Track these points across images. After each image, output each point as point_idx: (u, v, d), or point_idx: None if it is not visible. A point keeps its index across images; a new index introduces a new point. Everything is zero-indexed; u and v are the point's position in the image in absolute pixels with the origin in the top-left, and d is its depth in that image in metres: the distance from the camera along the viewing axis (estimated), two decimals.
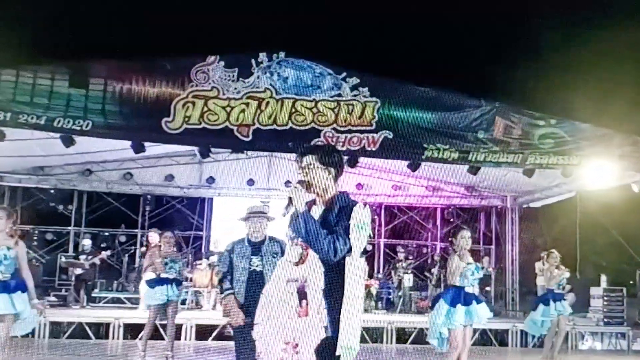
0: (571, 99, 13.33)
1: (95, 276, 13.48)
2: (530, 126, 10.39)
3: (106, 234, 15.70)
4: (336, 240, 2.95)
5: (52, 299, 12.97)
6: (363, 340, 3.07)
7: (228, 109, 9.65)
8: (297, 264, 3.08)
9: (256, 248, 5.02)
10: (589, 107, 12.25)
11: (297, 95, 9.87)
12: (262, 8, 18.42)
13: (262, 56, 9.87)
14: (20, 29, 13.10)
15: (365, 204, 3.11)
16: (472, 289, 6.09)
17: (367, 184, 15.37)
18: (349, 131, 9.97)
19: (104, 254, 13.31)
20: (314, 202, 3.17)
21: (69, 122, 9.10)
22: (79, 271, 12.88)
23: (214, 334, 10.50)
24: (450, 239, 6.27)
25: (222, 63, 9.73)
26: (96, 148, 12.05)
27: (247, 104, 9.69)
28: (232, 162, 14.47)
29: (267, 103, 9.75)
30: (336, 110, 9.94)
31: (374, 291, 13.86)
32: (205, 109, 9.57)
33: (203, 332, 10.53)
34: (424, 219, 17.16)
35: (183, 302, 10.36)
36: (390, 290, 14.56)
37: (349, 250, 2.98)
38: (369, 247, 15.16)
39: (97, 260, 12.98)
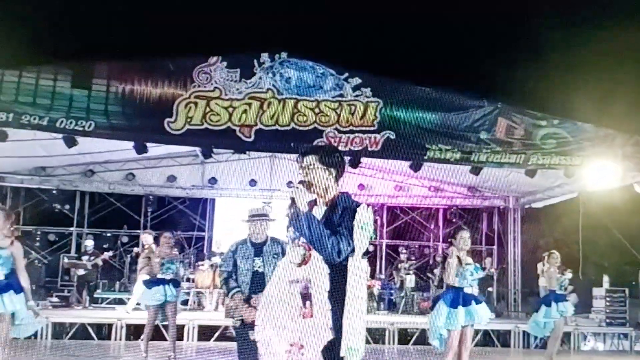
0: (573, 99, 13.30)
1: (97, 277, 13.47)
2: (532, 126, 10.37)
3: (108, 234, 15.69)
4: (340, 241, 2.95)
5: (55, 299, 12.99)
6: (365, 341, 3.05)
7: (230, 109, 9.65)
8: (299, 264, 3.07)
9: (258, 249, 5.03)
10: (591, 108, 12.24)
11: (299, 95, 9.87)
12: (265, 8, 18.46)
13: (265, 57, 9.87)
14: (22, 29, 13.13)
15: (367, 205, 3.10)
16: (472, 289, 6.09)
17: (369, 184, 15.36)
18: (351, 131, 9.96)
19: (106, 255, 13.32)
20: (315, 202, 3.15)
21: (71, 122, 9.12)
22: (81, 272, 12.89)
23: (216, 334, 10.51)
24: (450, 240, 6.29)
25: (225, 63, 9.74)
26: (98, 149, 12.05)
27: (250, 105, 9.70)
28: (234, 162, 14.46)
29: (270, 103, 9.74)
30: (338, 110, 9.93)
31: (376, 292, 13.83)
32: (208, 109, 9.57)
33: (205, 333, 10.53)
34: (426, 219, 17.14)
35: (185, 303, 10.33)
36: (393, 291, 14.54)
37: (352, 251, 2.97)
38: (371, 248, 15.16)
39: (99, 261, 12.98)
